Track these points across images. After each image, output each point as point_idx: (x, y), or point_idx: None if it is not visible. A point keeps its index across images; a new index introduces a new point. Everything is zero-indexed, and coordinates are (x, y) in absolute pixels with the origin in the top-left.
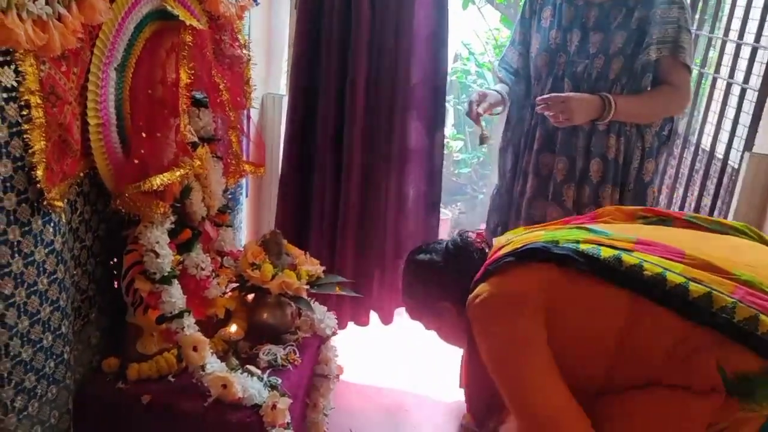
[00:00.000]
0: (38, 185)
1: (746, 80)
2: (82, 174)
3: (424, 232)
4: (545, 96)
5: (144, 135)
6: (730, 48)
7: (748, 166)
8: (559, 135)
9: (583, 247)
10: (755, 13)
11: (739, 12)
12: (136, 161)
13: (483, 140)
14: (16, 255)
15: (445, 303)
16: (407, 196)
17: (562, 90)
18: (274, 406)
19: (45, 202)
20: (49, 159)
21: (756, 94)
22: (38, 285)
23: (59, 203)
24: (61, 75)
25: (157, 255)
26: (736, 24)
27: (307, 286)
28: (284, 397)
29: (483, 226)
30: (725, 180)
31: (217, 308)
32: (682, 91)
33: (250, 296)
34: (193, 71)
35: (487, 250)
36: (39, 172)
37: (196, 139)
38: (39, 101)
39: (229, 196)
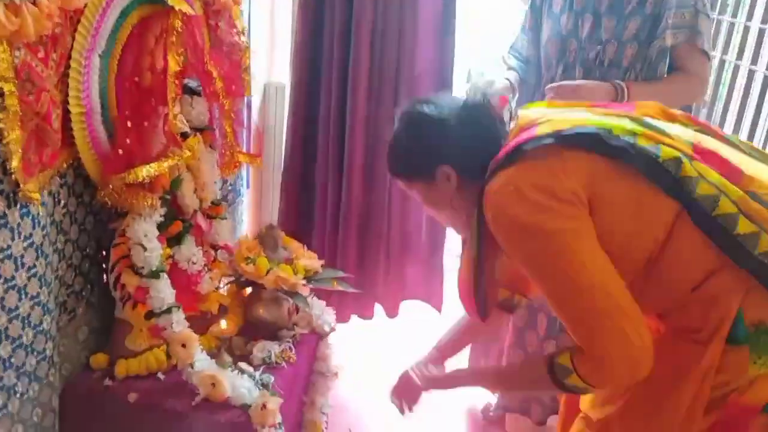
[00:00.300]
0: (13, 176)
1: None
2: (65, 165)
3: (429, 223)
4: (555, 84)
5: (130, 124)
6: (753, 33)
7: None
8: None
9: (641, 142)
10: None
11: None
12: (120, 151)
13: None
14: None
15: (445, 167)
16: None
17: (573, 78)
18: (264, 406)
19: (20, 194)
20: (26, 149)
21: None
22: (16, 280)
23: (36, 195)
24: (38, 61)
25: (145, 248)
26: (759, 9)
27: (304, 281)
28: (275, 396)
29: None
30: None
31: (210, 303)
32: (699, 78)
33: (247, 291)
34: (183, 57)
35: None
36: (14, 163)
37: (187, 129)
38: (13, 89)
39: (230, 188)
